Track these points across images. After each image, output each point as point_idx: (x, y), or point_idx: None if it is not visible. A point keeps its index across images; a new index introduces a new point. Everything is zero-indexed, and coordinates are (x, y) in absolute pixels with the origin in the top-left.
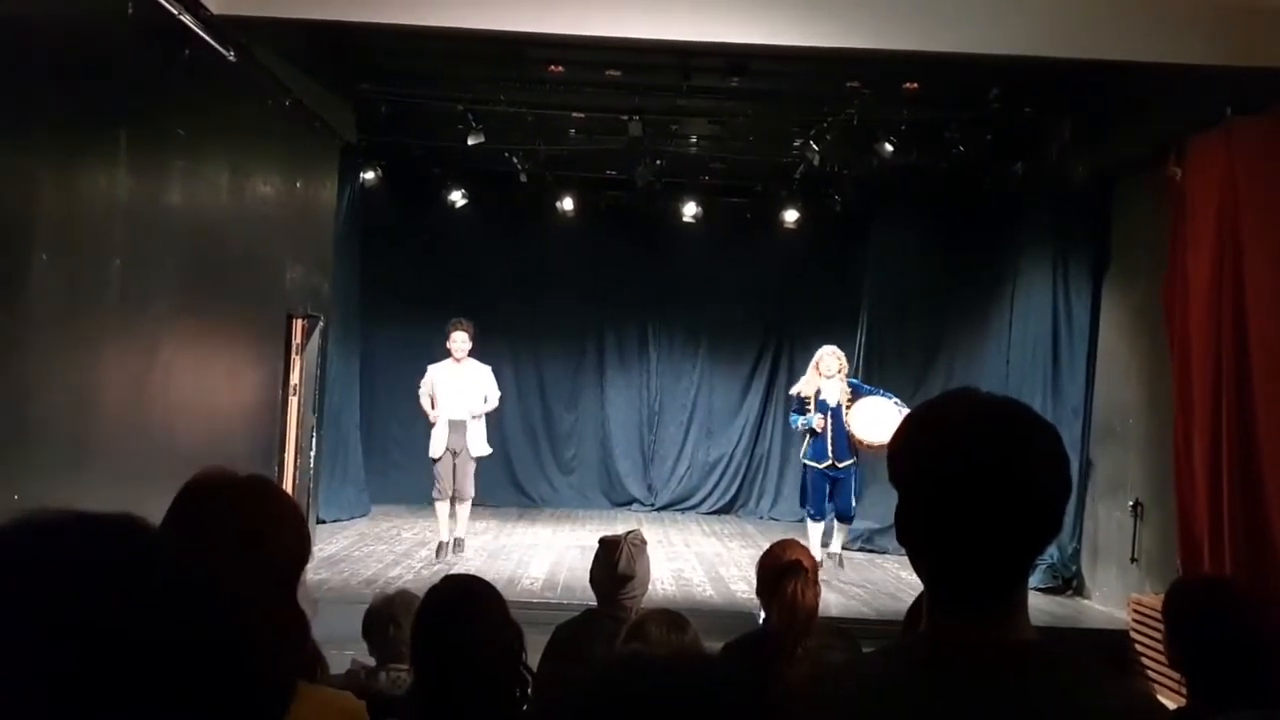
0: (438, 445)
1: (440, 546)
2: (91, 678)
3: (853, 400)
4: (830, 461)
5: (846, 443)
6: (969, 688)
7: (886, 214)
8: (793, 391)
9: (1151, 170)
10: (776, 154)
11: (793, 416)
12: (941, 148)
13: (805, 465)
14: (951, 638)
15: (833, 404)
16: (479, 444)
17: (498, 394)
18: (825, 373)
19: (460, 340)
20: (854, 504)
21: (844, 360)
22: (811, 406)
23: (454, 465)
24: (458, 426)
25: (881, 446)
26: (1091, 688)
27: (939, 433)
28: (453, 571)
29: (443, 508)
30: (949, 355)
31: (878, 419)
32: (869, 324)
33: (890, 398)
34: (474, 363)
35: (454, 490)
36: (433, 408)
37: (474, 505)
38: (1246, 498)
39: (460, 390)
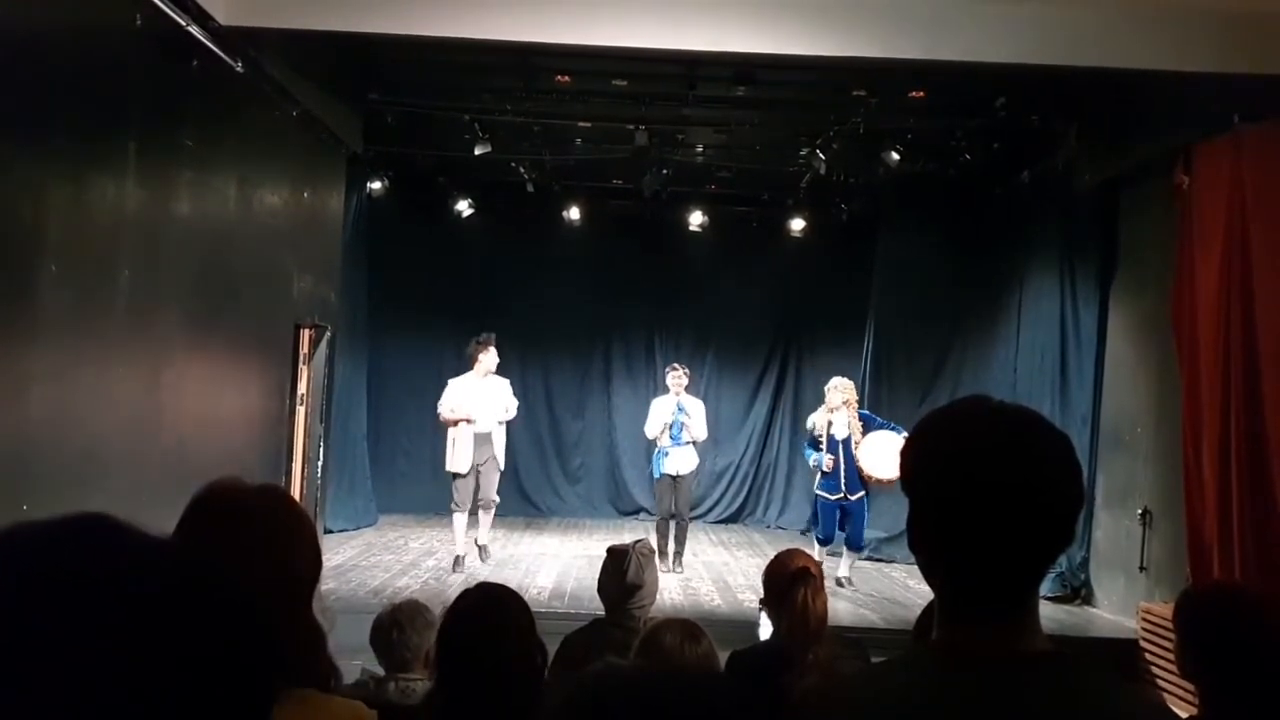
0: (463, 461)
1: (457, 560)
2: (110, 688)
3: (864, 433)
4: (842, 494)
5: (857, 475)
6: (981, 697)
7: (893, 222)
8: (808, 425)
9: (1159, 178)
10: (783, 163)
11: (806, 450)
12: (948, 156)
13: (817, 495)
14: (963, 646)
15: (841, 437)
16: (502, 454)
17: (515, 403)
18: (831, 404)
19: (494, 356)
20: (864, 534)
21: (851, 391)
22: (824, 442)
23: (478, 475)
24: (484, 439)
25: (891, 482)
26: (1105, 696)
27: (951, 440)
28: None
29: (461, 520)
30: (956, 363)
31: (886, 454)
32: (876, 332)
33: (901, 432)
34: (494, 376)
35: (478, 499)
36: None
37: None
38: (1256, 505)
39: (487, 404)
